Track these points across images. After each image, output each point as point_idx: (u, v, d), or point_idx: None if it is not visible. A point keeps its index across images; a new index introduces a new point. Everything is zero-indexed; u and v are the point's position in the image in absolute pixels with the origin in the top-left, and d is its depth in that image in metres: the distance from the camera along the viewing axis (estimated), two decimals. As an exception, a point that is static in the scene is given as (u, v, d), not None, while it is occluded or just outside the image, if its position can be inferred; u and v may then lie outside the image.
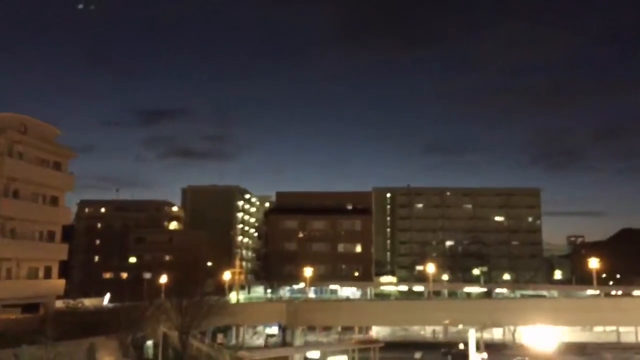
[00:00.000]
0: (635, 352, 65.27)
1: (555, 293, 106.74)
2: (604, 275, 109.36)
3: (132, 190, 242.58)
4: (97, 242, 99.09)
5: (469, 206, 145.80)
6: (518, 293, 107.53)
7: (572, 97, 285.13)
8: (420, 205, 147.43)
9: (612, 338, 72.31)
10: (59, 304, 53.31)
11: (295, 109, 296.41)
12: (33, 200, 52.12)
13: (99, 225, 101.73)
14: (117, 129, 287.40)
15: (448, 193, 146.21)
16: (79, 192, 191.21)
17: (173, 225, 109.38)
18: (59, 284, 54.91)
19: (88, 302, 56.89)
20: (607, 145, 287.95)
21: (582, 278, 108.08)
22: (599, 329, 75.12)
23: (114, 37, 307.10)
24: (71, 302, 53.40)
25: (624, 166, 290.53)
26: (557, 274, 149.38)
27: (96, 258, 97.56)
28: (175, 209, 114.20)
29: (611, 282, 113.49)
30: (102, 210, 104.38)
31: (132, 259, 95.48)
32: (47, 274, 53.36)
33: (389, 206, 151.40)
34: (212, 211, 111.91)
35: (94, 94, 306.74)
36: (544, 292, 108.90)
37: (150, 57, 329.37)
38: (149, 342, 49.38)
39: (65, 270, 59.31)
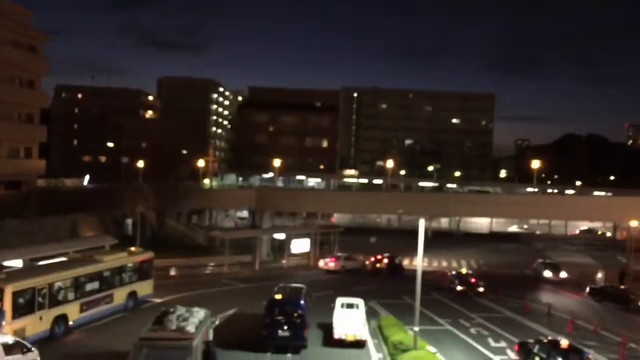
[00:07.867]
0: (563, 242, 69.99)
1: (498, 189, 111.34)
2: (543, 176, 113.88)
3: (107, 78, 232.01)
4: (75, 126, 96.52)
5: (429, 108, 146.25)
6: (466, 188, 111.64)
7: (536, 8, 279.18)
8: (384, 106, 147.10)
9: (544, 230, 76.99)
10: (41, 182, 52.92)
11: (269, 7, 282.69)
12: (10, 83, 49.92)
13: (76, 110, 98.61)
14: (88, 13, 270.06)
15: (411, 95, 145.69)
16: (53, 77, 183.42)
17: (149, 114, 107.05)
18: (40, 164, 54.16)
19: (69, 182, 56.56)
20: (564, 54, 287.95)
21: (524, 177, 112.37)
22: (533, 221, 79.68)
23: None
24: (52, 181, 52.92)
25: (577, 75, 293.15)
26: (503, 173, 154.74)
27: (75, 142, 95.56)
28: (150, 98, 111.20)
29: (549, 182, 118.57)
30: (79, 95, 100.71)
31: (110, 144, 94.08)
32: (28, 154, 52.44)
33: (355, 105, 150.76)
34: (186, 102, 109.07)
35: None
36: (489, 188, 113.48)
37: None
38: (129, 220, 50.18)
39: (45, 152, 58.09)
